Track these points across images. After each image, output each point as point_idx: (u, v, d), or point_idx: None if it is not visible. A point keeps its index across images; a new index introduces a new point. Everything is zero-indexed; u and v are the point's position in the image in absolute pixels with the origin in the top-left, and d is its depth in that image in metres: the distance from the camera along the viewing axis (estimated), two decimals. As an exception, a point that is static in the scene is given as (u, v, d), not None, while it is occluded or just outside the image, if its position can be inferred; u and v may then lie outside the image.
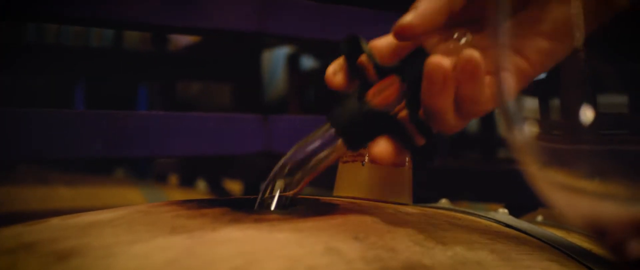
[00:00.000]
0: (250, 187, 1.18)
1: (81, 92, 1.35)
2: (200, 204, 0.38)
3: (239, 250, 0.29)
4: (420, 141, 0.36)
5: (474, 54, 0.33)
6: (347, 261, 0.30)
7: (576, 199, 0.27)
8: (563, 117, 0.34)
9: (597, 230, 0.27)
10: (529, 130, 0.27)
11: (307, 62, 1.54)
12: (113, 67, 1.17)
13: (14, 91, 1.30)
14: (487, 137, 1.27)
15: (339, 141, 0.37)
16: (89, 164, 1.29)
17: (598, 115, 0.29)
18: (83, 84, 1.36)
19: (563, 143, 0.31)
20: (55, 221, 0.34)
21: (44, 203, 0.93)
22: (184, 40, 1.34)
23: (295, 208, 0.38)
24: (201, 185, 1.22)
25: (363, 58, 0.38)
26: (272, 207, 0.37)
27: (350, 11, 0.70)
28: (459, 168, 0.94)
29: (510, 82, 0.28)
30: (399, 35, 0.37)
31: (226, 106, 1.39)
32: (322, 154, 0.38)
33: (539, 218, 0.60)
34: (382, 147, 0.36)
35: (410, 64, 0.36)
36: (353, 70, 0.38)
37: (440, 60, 0.33)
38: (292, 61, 1.45)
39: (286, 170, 0.38)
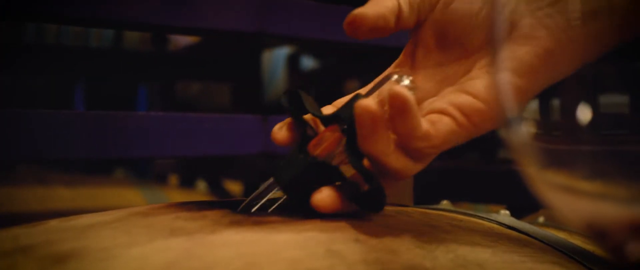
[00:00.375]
0: (250, 187, 1.18)
1: (81, 92, 1.35)
2: (199, 206, 0.38)
3: (238, 252, 0.29)
4: (365, 188, 0.36)
5: (400, 89, 0.33)
6: (348, 264, 0.29)
7: (575, 200, 0.27)
8: (562, 117, 0.34)
9: (596, 232, 0.27)
10: (526, 131, 0.27)
11: (307, 62, 1.54)
12: (113, 67, 1.17)
13: (14, 91, 1.30)
14: (487, 137, 1.26)
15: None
16: (89, 164, 1.29)
17: (598, 115, 0.29)
18: (83, 84, 1.35)
19: (562, 144, 0.31)
20: (53, 223, 0.34)
21: (43, 203, 0.93)
22: (183, 40, 1.33)
23: (295, 210, 0.38)
24: (201, 185, 1.22)
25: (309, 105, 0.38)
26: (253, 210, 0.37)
27: (349, 11, 0.69)
28: (460, 169, 0.94)
29: (508, 84, 0.28)
30: (349, 26, 0.37)
31: (226, 106, 1.39)
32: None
33: (541, 219, 0.59)
34: (324, 195, 0.35)
35: (347, 111, 0.36)
36: (297, 123, 0.38)
37: (366, 102, 0.33)
38: (292, 61, 1.45)
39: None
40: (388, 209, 0.43)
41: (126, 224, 0.33)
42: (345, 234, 0.33)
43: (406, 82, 0.38)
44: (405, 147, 0.35)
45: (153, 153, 0.61)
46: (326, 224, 0.35)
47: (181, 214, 0.35)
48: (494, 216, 0.45)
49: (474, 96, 0.36)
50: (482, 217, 0.45)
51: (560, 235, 0.44)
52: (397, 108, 0.33)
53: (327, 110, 0.40)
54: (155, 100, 1.39)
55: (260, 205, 0.37)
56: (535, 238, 0.41)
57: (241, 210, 0.37)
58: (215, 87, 1.53)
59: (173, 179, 1.35)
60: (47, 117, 0.56)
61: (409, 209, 0.45)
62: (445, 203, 0.54)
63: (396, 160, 0.35)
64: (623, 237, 0.26)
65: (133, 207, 0.38)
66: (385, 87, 0.38)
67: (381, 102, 0.36)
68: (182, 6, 0.61)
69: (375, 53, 0.89)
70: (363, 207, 0.37)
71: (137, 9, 0.59)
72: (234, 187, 1.26)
